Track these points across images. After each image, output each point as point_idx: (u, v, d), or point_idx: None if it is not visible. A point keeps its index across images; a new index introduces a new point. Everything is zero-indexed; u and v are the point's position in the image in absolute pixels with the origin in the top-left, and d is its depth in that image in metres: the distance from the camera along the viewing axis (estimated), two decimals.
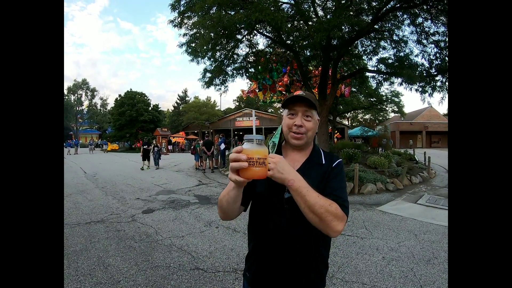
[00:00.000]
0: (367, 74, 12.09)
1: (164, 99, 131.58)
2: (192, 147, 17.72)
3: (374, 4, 9.08)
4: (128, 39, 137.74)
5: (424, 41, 10.26)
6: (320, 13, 10.09)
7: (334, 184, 1.25)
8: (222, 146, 13.92)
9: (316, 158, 1.34)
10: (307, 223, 1.14)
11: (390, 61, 10.75)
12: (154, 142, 17.32)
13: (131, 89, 39.42)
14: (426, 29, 10.07)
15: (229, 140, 26.66)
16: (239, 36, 10.07)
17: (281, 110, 1.29)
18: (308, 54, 11.07)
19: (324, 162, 1.33)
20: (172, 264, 3.74)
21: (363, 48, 11.40)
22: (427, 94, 10.52)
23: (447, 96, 10.29)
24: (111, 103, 50.82)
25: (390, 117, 31.94)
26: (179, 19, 9.77)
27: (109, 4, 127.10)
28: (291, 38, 9.79)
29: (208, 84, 10.97)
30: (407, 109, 29.22)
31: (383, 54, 11.31)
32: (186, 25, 9.82)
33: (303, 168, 1.28)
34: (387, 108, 24.09)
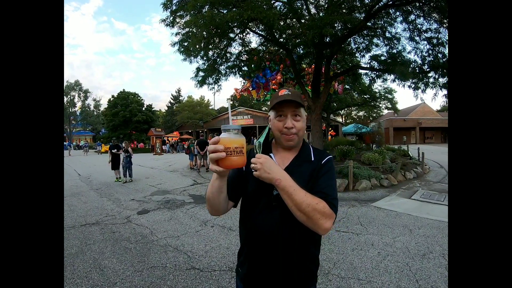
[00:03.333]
0: (360, 71, 12.13)
1: (158, 99, 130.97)
2: (186, 146, 17.65)
3: (367, 1, 9.11)
4: (122, 40, 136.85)
5: (417, 38, 10.30)
6: (313, 10, 10.10)
7: (323, 181, 1.24)
8: None
9: (305, 155, 1.34)
10: (296, 221, 1.15)
11: (383, 58, 10.78)
12: (123, 145, 11.60)
13: (124, 89, 39.18)
14: (419, 26, 10.12)
15: None
16: (231, 35, 10.02)
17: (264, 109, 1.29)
18: (301, 51, 11.07)
19: (313, 159, 1.33)
20: (168, 264, 3.73)
21: (356, 46, 11.42)
22: (420, 90, 10.57)
23: (439, 92, 10.39)
24: (104, 104, 50.49)
25: (383, 113, 32.16)
26: (171, 18, 9.69)
27: (103, 4, 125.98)
28: (283, 36, 9.77)
29: (201, 83, 10.92)
30: (400, 106, 29.49)
31: (376, 51, 11.35)
32: (179, 24, 9.75)
33: (292, 166, 1.29)
34: (380, 105, 24.26)
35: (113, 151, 11.24)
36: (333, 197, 1.20)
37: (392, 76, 10.76)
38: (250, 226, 1.32)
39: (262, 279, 1.28)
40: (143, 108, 39.09)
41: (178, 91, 60.19)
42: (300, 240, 1.25)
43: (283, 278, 1.25)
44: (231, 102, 57.67)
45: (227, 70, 11.48)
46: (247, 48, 11.15)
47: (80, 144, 44.86)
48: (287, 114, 1.27)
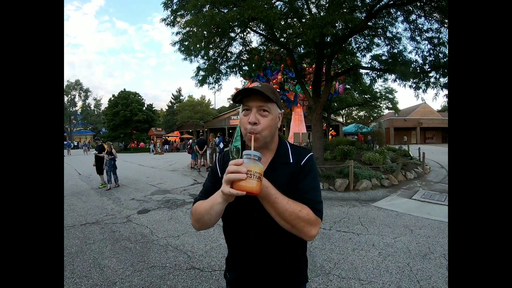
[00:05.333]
0: (361, 71, 12.11)
1: (159, 99, 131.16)
2: (188, 146, 17.67)
3: (368, 1, 9.09)
4: (123, 39, 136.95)
5: (418, 38, 10.28)
6: (314, 10, 10.07)
7: (304, 185, 1.17)
8: (221, 145, 13.80)
9: (283, 157, 1.24)
10: (278, 229, 1.11)
11: (383, 58, 10.77)
12: (106, 146, 9.73)
13: (124, 89, 39.19)
14: (420, 25, 10.09)
15: (227, 139, 26.46)
16: (232, 34, 10.02)
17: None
18: (302, 51, 11.06)
19: (291, 161, 1.22)
20: (168, 264, 3.73)
21: (357, 45, 11.40)
22: (420, 90, 10.55)
23: (440, 92, 10.37)
24: (105, 104, 50.52)
25: (384, 113, 32.15)
26: (172, 17, 9.69)
27: (105, 4, 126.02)
28: (284, 35, 9.76)
29: (202, 82, 10.90)
30: (401, 106, 29.53)
31: (376, 51, 11.33)
32: (179, 24, 9.74)
33: (268, 171, 1.16)
34: (381, 105, 24.29)
35: (95, 153, 9.91)
36: (317, 201, 1.14)
37: (393, 76, 10.74)
38: (235, 238, 1.28)
39: (252, 285, 1.26)
40: (144, 108, 39.07)
41: (179, 90, 60.24)
42: (284, 246, 1.20)
43: (274, 283, 1.23)
44: (232, 102, 57.64)
45: (228, 70, 11.47)
46: (247, 48, 11.14)
47: (74, 143, 44.83)
48: (253, 108, 1.14)
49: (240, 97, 1.16)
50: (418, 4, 9.24)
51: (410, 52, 10.84)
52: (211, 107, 46.59)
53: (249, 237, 1.20)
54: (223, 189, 0.97)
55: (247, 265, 1.25)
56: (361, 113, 33.44)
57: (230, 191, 0.94)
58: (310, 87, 12.17)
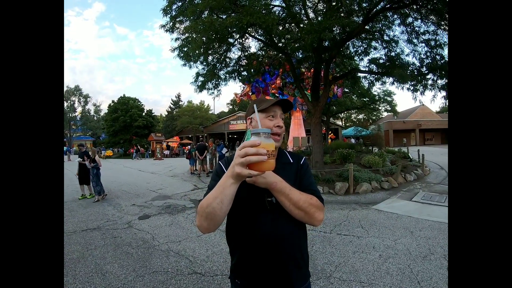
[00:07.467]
0: (359, 74, 12.16)
1: (159, 104, 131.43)
2: (187, 151, 17.69)
3: (365, 5, 9.17)
4: (124, 45, 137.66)
5: (415, 41, 10.35)
6: (311, 15, 10.15)
7: (307, 180, 1.35)
8: (224, 150, 13.78)
9: (284, 158, 1.40)
10: (289, 221, 1.24)
11: (381, 61, 10.82)
12: (90, 153, 8.80)
13: (124, 94, 39.31)
14: (417, 28, 10.17)
15: (226, 144, 26.47)
16: (231, 40, 10.08)
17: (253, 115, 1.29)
18: (300, 56, 11.12)
19: (292, 161, 1.40)
20: (169, 269, 3.74)
21: (355, 49, 11.46)
22: (418, 92, 10.59)
23: (438, 94, 10.40)
24: (104, 109, 50.57)
25: (383, 116, 32.22)
26: (171, 23, 9.77)
27: (105, 10, 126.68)
28: (282, 40, 9.82)
29: (201, 88, 10.95)
30: (400, 108, 29.57)
31: (374, 54, 11.39)
32: (178, 30, 9.82)
33: (275, 170, 1.21)
34: (380, 108, 24.33)
35: (78, 160, 8.86)
36: (318, 191, 1.32)
37: (391, 79, 10.79)
38: (246, 236, 1.30)
39: (268, 285, 1.28)
40: (143, 113, 39.15)
41: (178, 96, 60.46)
42: (295, 238, 1.31)
43: (286, 280, 1.27)
44: (231, 107, 57.77)
45: (227, 75, 11.52)
46: (246, 53, 11.21)
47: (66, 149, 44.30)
48: (278, 115, 1.34)
49: (265, 105, 1.32)
50: (415, 7, 9.32)
51: (407, 55, 10.91)
52: (210, 112, 46.69)
53: (261, 232, 1.25)
54: (240, 171, 0.97)
55: (258, 267, 1.27)
56: (360, 116, 33.53)
57: (251, 172, 0.97)
58: (309, 91, 12.22)
